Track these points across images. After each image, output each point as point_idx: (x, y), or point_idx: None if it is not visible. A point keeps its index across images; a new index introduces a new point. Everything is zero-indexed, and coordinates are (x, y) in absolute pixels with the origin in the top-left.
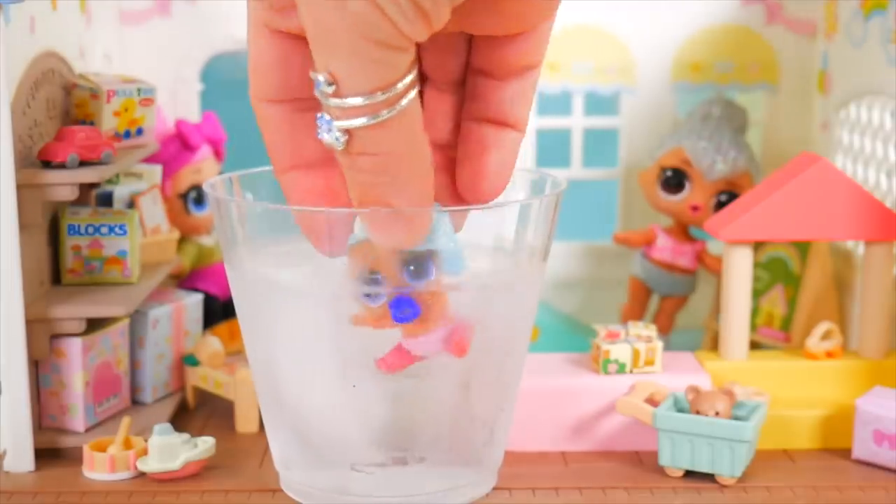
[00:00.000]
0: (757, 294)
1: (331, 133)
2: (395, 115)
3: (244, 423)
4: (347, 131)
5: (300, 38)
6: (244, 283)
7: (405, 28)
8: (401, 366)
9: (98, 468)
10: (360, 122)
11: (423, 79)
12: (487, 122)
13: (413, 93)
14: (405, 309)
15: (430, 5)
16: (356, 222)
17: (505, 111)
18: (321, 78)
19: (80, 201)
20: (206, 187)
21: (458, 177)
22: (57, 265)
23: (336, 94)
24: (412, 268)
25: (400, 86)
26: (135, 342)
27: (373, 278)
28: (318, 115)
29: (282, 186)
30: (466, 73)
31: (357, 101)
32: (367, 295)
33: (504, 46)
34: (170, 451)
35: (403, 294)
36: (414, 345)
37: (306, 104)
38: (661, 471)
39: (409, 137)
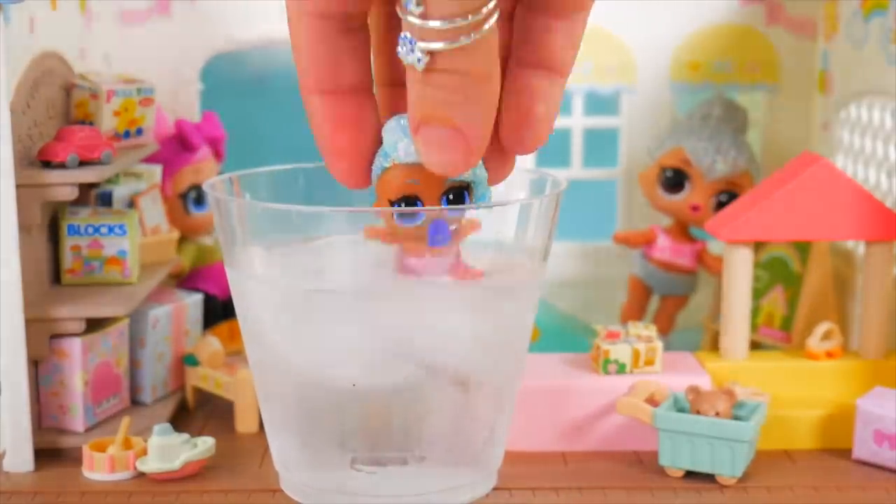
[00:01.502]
0: (757, 294)
1: (413, 54)
2: (478, 39)
3: (244, 423)
4: (429, 52)
5: None
6: (244, 283)
7: None
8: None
9: (98, 468)
10: (441, 45)
11: None
12: (536, 68)
13: (494, 18)
14: (441, 233)
15: None
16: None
17: (555, 56)
18: None
19: (80, 201)
20: (206, 187)
21: (503, 125)
22: (57, 265)
23: (423, 16)
24: (451, 196)
25: (484, 10)
26: (135, 342)
27: (410, 204)
28: (402, 34)
29: (306, 107)
30: (515, 13)
31: (440, 24)
32: (402, 217)
33: None
34: (169, 451)
35: (441, 219)
36: (414, 264)
37: (353, 23)
38: (661, 471)
39: (488, 60)
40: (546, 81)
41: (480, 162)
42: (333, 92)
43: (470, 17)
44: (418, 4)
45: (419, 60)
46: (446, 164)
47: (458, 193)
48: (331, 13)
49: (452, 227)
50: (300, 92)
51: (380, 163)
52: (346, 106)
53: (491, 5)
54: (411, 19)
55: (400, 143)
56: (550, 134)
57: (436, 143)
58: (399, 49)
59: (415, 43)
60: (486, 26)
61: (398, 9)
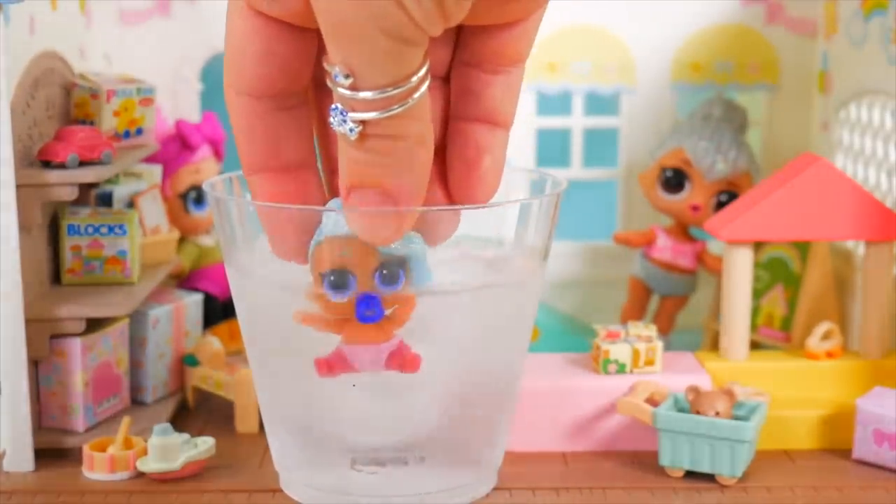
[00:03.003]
0: (757, 294)
1: (345, 124)
2: (408, 108)
3: (244, 423)
4: (361, 122)
5: (286, 25)
6: (244, 283)
7: (423, 23)
8: (340, 370)
9: (98, 468)
10: (373, 115)
11: None
12: (478, 122)
13: (425, 86)
14: (372, 308)
15: (451, 2)
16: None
17: (496, 108)
18: (339, 70)
19: (80, 201)
20: (206, 187)
21: (451, 179)
22: (57, 265)
23: (353, 87)
24: (384, 272)
25: (414, 79)
26: (135, 342)
27: (341, 276)
28: (332, 106)
29: (250, 186)
30: (452, 68)
31: (370, 94)
32: (334, 289)
33: (496, 37)
34: (170, 451)
35: (372, 294)
36: (352, 353)
37: (287, 101)
38: (661, 471)
39: (421, 125)
40: (489, 134)
41: (417, 237)
42: (275, 169)
43: (400, 86)
44: (347, 77)
45: (351, 130)
46: (376, 230)
47: (392, 270)
48: (265, 93)
49: (390, 308)
50: (242, 171)
51: (314, 239)
52: (288, 183)
53: (421, 73)
54: (341, 91)
55: (330, 216)
56: (499, 184)
57: (366, 207)
58: (331, 119)
59: (346, 114)
60: (417, 94)
61: (328, 81)
